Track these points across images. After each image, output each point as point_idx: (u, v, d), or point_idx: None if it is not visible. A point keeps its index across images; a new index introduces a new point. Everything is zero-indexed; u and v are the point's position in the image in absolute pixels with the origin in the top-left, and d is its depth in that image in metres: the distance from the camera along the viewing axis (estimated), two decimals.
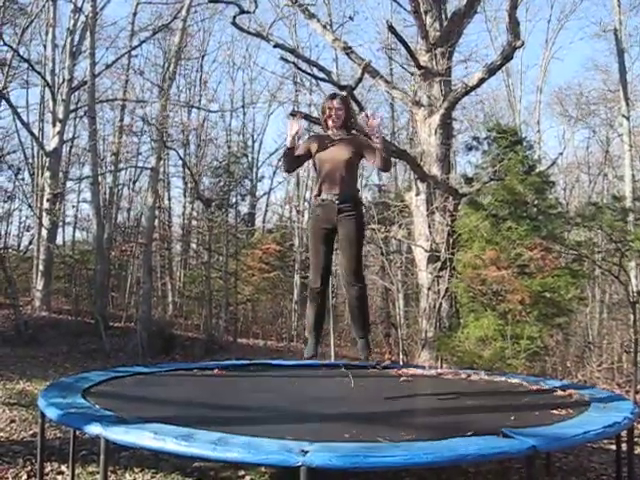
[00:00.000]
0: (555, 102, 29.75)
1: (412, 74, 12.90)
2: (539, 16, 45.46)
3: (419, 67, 11.57)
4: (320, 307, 4.89)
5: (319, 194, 4.82)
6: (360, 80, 11.22)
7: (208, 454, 3.23)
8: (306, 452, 3.10)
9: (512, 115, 25.83)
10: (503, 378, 6.45)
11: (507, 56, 10.76)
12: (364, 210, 4.92)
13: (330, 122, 4.86)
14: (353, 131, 5.19)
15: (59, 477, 5.19)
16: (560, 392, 5.57)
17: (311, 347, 5.19)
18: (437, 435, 3.57)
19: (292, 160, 4.99)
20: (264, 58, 45.69)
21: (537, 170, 12.59)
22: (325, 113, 4.92)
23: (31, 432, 6.66)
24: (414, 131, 16.66)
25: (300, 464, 3.02)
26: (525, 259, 10.81)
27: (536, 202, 11.98)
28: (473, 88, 11.37)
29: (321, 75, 12.68)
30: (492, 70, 10.95)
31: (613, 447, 6.19)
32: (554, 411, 4.53)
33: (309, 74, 13.61)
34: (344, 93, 5.24)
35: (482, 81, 11.13)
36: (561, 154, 21.21)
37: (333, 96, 5.07)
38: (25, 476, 5.13)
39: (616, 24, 17.99)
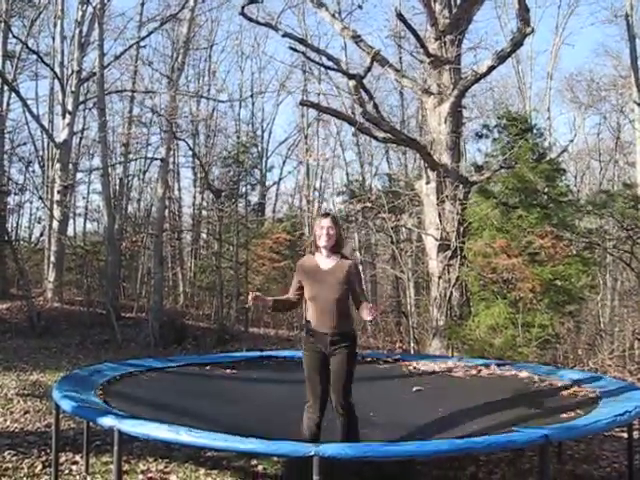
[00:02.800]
0: (566, 88, 29.57)
1: (421, 62, 12.84)
2: (549, 1, 45.10)
3: (428, 55, 11.52)
4: (316, 439, 4.47)
5: (312, 325, 4.72)
6: (369, 69, 11.16)
7: (222, 445, 3.25)
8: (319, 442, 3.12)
9: (522, 102, 25.69)
10: (513, 372, 6.44)
11: (517, 43, 10.69)
12: (356, 342, 4.73)
13: (322, 241, 4.75)
14: (342, 253, 4.98)
15: (73, 467, 5.23)
16: (571, 381, 5.57)
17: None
18: (450, 436, 3.58)
19: (293, 302, 4.98)
20: (273, 47, 45.77)
21: (547, 158, 12.55)
22: (316, 232, 4.83)
23: (45, 423, 6.72)
24: (424, 119, 16.65)
25: (313, 453, 3.04)
26: (536, 247, 10.79)
27: (547, 190, 11.94)
28: (483, 76, 11.30)
29: (330, 64, 12.64)
30: (502, 57, 10.88)
31: (624, 435, 6.19)
32: (565, 400, 4.53)
33: (318, 63, 13.59)
34: (334, 213, 5.12)
35: (492, 68, 11.07)
36: (572, 141, 21.19)
37: (325, 215, 4.99)
38: (40, 466, 5.17)
39: (627, 9, 17.81)
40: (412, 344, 12.72)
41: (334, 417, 4.50)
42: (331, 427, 4.38)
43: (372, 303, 4.72)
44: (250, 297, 4.73)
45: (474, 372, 6.59)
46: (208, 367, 6.71)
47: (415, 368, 6.65)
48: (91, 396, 4.48)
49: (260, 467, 5.32)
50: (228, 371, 6.70)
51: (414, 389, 6.11)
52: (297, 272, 4.92)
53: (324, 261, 4.81)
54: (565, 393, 4.94)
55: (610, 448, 6.04)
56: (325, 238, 4.74)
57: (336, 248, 4.84)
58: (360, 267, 5.44)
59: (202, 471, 5.19)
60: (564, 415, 3.90)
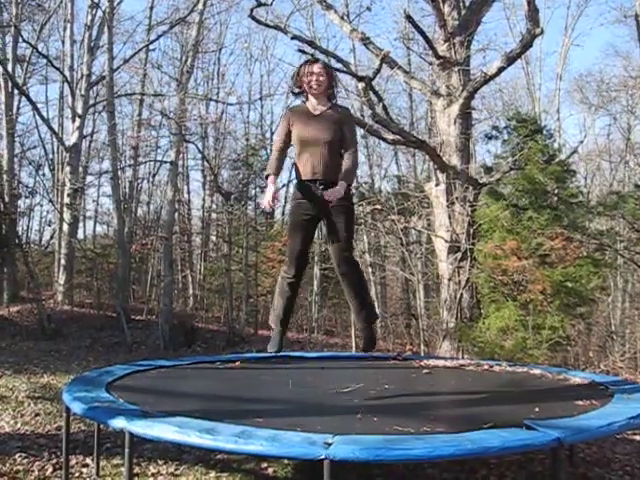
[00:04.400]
0: (575, 89, 29.47)
1: (430, 64, 12.81)
2: (558, 2, 44.94)
3: (437, 57, 11.50)
4: (291, 299, 4.60)
5: (301, 177, 4.51)
6: (378, 71, 11.15)
7: (231, 447, 3.23)
8: (329, 445, 3.10)
9: (532, 103, 25.62)
10: (525, 369, 6.40)
11: (526, 44, 10.65)
12: (352, 194, 4.56)
13: (312, 89, 4.50)
14: (334, 101, 4.76)
15: (84, 470, 5.23)
16: (583, 383, 5.53)
17: (276, 341, 4.99)
18: (460, 428, 3.56)
19: (281, 154, 4.69)
20: (281, 50, 45.66)
21: (557, 159, 12.51)
22: (303, 79, 4.55)
23: (55, 425, 6.72)
24: (433, 121, 16.62)
25: (323, 457, 3.02)
26: (546, 249, 10.76)
27: (557, 191, 11.91)
28: (492, 77, 11.27)
29: (339, 66, 12.63)
30: (511, 59, 10.85)
31: (637, 437, 6.16)
32: (578, 402, 4.49)
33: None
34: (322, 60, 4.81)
35: (501, 70, 11.03)
36: (582, 142, 21.06)
37: (314, 60, 4.73)
38: (51, 469, 5.17)
39: (637, 9, 17.70)
40: (422, 346, 12.69)
41: (354, 407, 4.45)
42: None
43: (343, 184, 4.40)
44: (268, 203, 4.49)
45: (486, 367, 6.58)
46: (218, 363, 6.71)
47: (425, 364, 6.63)
48: (101, 392, 4.48)
49: (271, 470, 5.31)
50: (237, 363, 6.69)
51: (424, 371, 6.13)
52: (285, 116, 4.68)
53: (316, 107, 4.56)
54: (577, 395, 4.90)
55: (623, 451, 6.01)
56: (315, 85, 4.49)
57: (328, 96, 4.62)
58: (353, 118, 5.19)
59: (212, 474, 5.18)
60: (576, 417, 3.87)
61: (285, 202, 28.77)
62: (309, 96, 4.60)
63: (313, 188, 4.42)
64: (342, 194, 4.31)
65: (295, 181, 4.60)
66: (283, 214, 28.62)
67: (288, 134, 4.58)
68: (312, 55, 12.69)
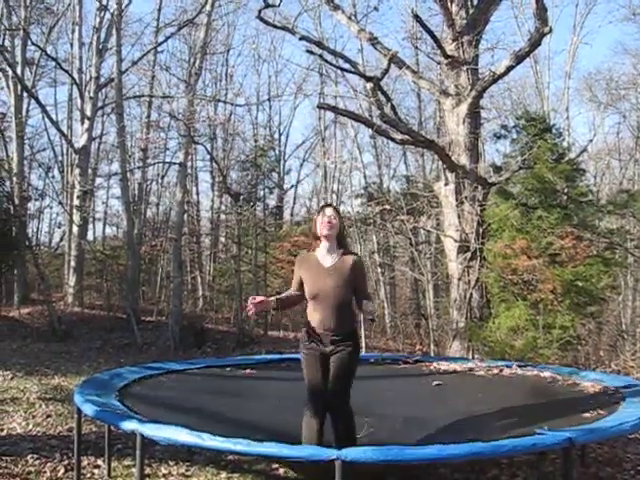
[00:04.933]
0: (584, 88, 29.34)
1: (439, 63, 12.79)
2: (567, 0, 44.81)
3: (446, 56, 11.48)
4: (319, 435, 4.31)
5: (312, 325, 4.51)
6: (387, 71, 11.13)
7: (244, 449, 3.24)
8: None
9: (540, 102, 25.53)
10: (535, 371, 6.39)
11: (535, 43, 10.62)
12: (358, 342, 4.51)
13: (325, 230, 4.52)
14: (345, 246, 4.76)
15: (95, 471, 5.25)
16: (594, 383, 5.51)
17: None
18: (471, 435, 3.55)
19: (296, 297, 4.73)
20: (289, 50, 45.76)
21: (567, 158, 12.46)
22: (318, 221, 4.62)
23: (67, 427, 6.75)
24: (442, 121, 16.59)
25: (335, 457, 3.02)
26: (556, 248, 10.72)
27: (566, 190, 11.87)
28: (501, 76, 11.24)
29: (347, 66, 12.64)
30: (520, 57, 10.82)
31: None
32: (589, 403, 4.48)
33: (335, 65, 13.59)
34: (333, 204, 4.88)
35: (510, 69, 11.00)
36: (591, 141, 20.92)
37: (326, 205, 4.79)
38: (62, 470, 5.20)
39: None
40: (432, 346, 12.67)
41: (365, 412, 4.43)
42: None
43: (371, 302, 4.49)
44: (249, 305, 4.46)
45: (496, 371, 6.55)
46: (228, 369, 6.71)
47: (435, 368, 6.62)
48: (112, 399, 4.49)
49: (281, 471, 5.32)
50: (248, 371, 6.70)
51: (434, 383, 6.09)
52: (297, 268, 4.68)
53: (326, 257, 4.58)
54: (588, 394, 4.89)
55: (634, 451, 5.98)
56: (327, 227, 4.52)
57: (338, 241, 4.62)
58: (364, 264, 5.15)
59: (223, 475, 5.20)
60: (588, 417, 3.86)
61: (294, 203, 28.78)
62: (320, 243, 4.63)
63: (323, 336, 4.44)
64: (375, 309, 4.44)
65: (305, 330, 4.58)
66: (292, 215, 28.70)
67: (300, 284, 4.63)
68: (321, 56, 12.74)
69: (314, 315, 4.50)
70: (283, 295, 4.75)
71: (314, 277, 4.50)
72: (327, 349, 4.43)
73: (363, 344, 12.09)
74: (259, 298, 4.53)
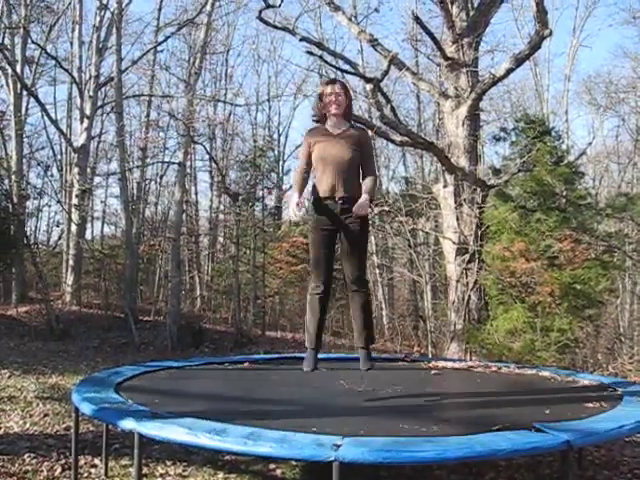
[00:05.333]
0: (583, 91, 29.41)
1: (438, 65, 12.82)
2: (567, 3, 44.87)
3: (445, 58, 11.49)
4: (322, 316, 4.60)
5: (320, 194, 4.59)
6: (386, 72, 11.14)
7: (241, 449, 3.24)
8: (338, 446, 3.10)
9: (540, 105, 25.58)
10: (534, 371, 6.39)
11: (535, 46, 10.63)
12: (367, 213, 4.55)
13: (332, 108, 4.57)
14: (352, 122, 4.90)
15: (92, 470, 5.24)
16: (592, 385, 5.52)
17: (311, 360, 4.94)
18: (469, 430, 3.55)
19: (304, 180, 4.80)
20: (289, 51, 45.70)
21: (566, 160, 12.48)
22: (324, 100, 4.63)
23: (64, 425, 6.74)
24: (441, 123, 16.58)
25: (333, 459, 3.02)
26: (555, 251, 10.73)
27: (565, 193, 11.88)
28: (501, 79, 11.25)
29: (347, 67, 12.65)
30: (520, 60, 10.83)
31: None
32: (587, 405, 4.48)
33: (335, 67, 13.58)
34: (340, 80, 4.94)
35: (510, 71, 11.01)
36: (590, 144, 20.95)
37: (333, 81, 4.81)
38: (59, 469, 5.19)
39: None
40: (430, 348, 12.68)
41: (363, 409, 4.45)
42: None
43: (369, 196, 4.51)
44: (295, 213, 4.58)
45: (494, 369, 6.56)
46: (226, 364, 6.71)
47: (433, 365, 6.62)
48: (110, 393, 4.49)
49: (279, 471, 5.31)
50: (246, 364, 6.69)
51: (432, 372, 6.11)
52: (305, 139, 4.73)
53: (334, 128, 4.62)
54: (586, 397, 4.89)
55: (631, 454, 5.98)
56: (335, 105, 4.55)
57: (346, 118, 4.68)
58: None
59: (220, 475, 5.19)
60: (585, 420, 3.85)
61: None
62: (328, 118, 4.66)
63: (332, 205, 4.50)
64: (368, 206, 4.43)
65: (313, 199, 4.66)
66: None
67: (309, 156, 4.65)
68: (321, 57, 12.74)
69: (322, 180, 4.55)
70: (299, 183, 4.75)
71: (323, 143, 4.55)
72: (335, 222, 4.49)
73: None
74: (294, 204, 4.58)
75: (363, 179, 4.59)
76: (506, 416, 4.04)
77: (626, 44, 48.10)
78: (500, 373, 6.39)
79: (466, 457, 3.17)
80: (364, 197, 4.43)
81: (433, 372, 6.20)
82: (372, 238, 23.55)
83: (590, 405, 4.49)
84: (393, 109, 11.14)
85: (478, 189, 11.20)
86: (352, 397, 4.87)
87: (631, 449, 6.12)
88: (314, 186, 4.69)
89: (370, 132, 4.89)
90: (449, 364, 6.84)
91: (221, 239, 27.06)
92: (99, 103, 21.36)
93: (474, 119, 11.58)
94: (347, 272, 4.53)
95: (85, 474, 5.14)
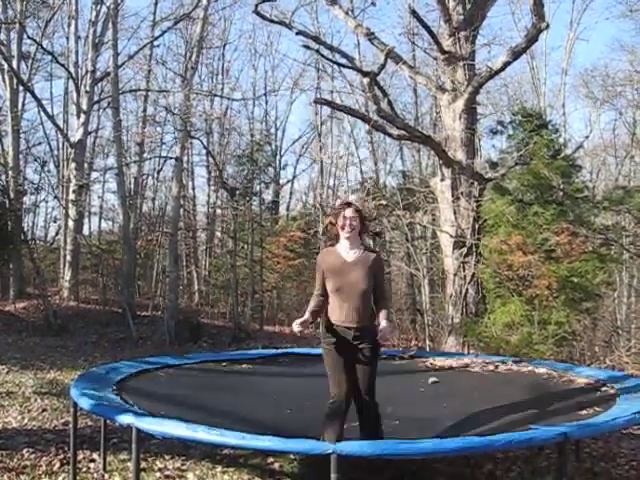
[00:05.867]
0: (580, 84, 29.32)
1: (435, 59, 12.80)
2: None
3: (442, 52, 11.47)
4: (340, 431, 4.34)
5: (334, 319, 4.61)
6: (383, 66, 11.13)
7: (240, 443, 3.25)
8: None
9: (537, 98, 25.52)
10: (530, 367, 6.40)
11: (532, 39, 10.62)
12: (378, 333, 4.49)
13: (345, 232, 4.62)
14: (365, 244, 4.94)
15: (91, 465, 5.26)
16: (589, 379, 5.53)
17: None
18: (467, 431, 3.57)
19: (320, 306, 4.77)
20: (286, 45, 45.70)
21: (563, 154, 12.47)
22: (339, 222, 4.68)
23: (62, 420, 6.76)
24: (438, 116, 16.59)
25: (330, 451, 3.03)
26: (552, 244, 10.74)
27: (562, 186, 11.87)
28: (497, 72, 11.24)
29: (344, 61, 12.63)
30: (517, 53, 10.82)
31: None
32: (584, 398, 4.50)
33: (331, 60, 13.57)
34: (357, 203, 5.04)
35: (506, 65, 10.99)
36: (587, 137, 20.96)
37: (348, 204, 4.83)
38: (58, 464, 5.20)
39: None
40: (427, 342, 12.69)
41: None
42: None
43: (391, 323, 4.60)
44: (296, 328, 4.51)
45: (491, 368, 6.56)
46: (224, 364, 6.71)
47: (432, 364, 6.63)
48: (108, 393, 4.49)
49: (277, 465, 5.33)
50: (244, 365, 6.70)
51: (430, 380, 6.10)
52: (319, 266, 4.76)
53: (348, 253, 4.65)
54: (583, 390, 4.91)
55: (628, 446, 6.01)
56: (348, 229, 4.61)
57: (360, 237, 4.74)
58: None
59: (219, 469, 5.21)
60: (582, 412, 3.88)
61: (290, 197, 28.72)
62: (342, 240, 4.70)
63: (345, 332, 4.52)
64: (389, 332, 4.49)
65: (326, 324, 4.65)
66: (288, 209, 28.67)
67: (324, 281, 4.69)
68: (317, 51, 12.71)
69: (337, 308, 4.58)
70: (313, 306, 4.76)
71: (338, 271, 4.58)
72: (349, 345, 4.50)
73: None
74: (299, 321, 4.55)
75: (375, 303, 4.62)
76: (504, 415, 4.06)
77: (623, 37, 48.11)
78: (497, 373, 6.40)
79: (463, 449, 3.19)
80: (384, 324, 4.48)
81: (431, 380, 6.15)
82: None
83: (587, 398, 4.51)
84: (390, 103, 11.14)
85: (475, 182, 11.19)
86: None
87: (628, 441, 6.14)
88: (327, 310, 4.68)
89: (381, 255, 4.86)
90: (447, 362, 6.84)
91: (219, 234, 27.02)
92: (96, 98, 21.32)
93: (471, 112, 11.57)
94: (358, 393, 4.50)
95: (84, 469, 5.16)
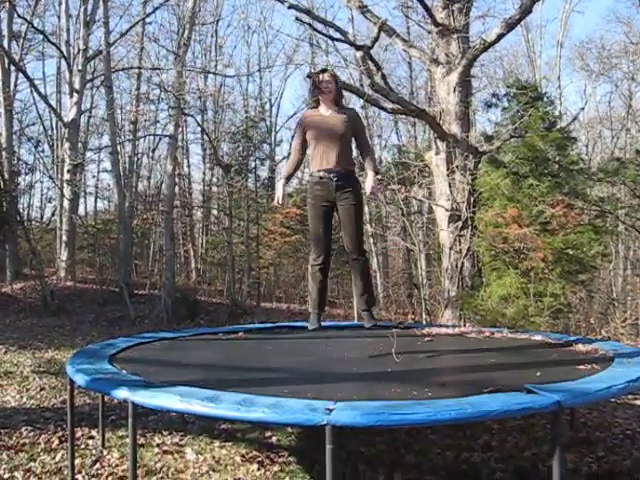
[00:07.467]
0: (576, 56, 29.26)
1: (429, 32, 12.70)
2: None
3: (436, 24, 11.40)
4: (322, 284, 4.95)
5: (314, 170, 4.88)
6: (376, 39, 11.06)
7: (234, 415, 3.25)
8: (331, 410, 3.12)
9: (532, 71, 25.47)
10: (526, 335, 6.42)
11: (526, 10, 10.56)
12: (360, 185, 4.97)
13: (322, 92, 4.94)
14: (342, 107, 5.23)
15: (90, 442, 5.29)
16: (584, 348, 5.55)
17: (315, 320, 5.47)
18: (461, 392, 3.58)
19: (298, 159, 5.13)
20: (279, 21, 45.35)
21: (558, 126, 12.45)
22: (317, 85, 5.00)
23: (61, 399, 6.79)
24: (432, 90, 16.51)
25: (325, 422, 3.04)
26: (547, 216, 10.76)
27: (557, 158, 11.87)
28: (492, 44, 11.17)
29: (337, 36, 12.52)
30: (511, 25, 10.75)
31: (638, 402, 6.20)
32: (578, 366, 4.51)
33: (325, 35, 13.44)
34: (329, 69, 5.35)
35: (501, 37, 10.93)
36: (583, 109, 20.91)
37: (323, 70, 5.19)
38: (57, 441, 5.23)
39: None
40: (424, 315, 12.74)
41: (355, 375, 4.50)
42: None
43: (377, 176, 4.98)
44: (277, 202, 4.98)
45: (487, 334, 6.59)
46: (220, 334, 6.71)
47: (427, 332, 6.64)
48: (104, 364, 4.50)
49: (274, 439, 5.37)
50: (240, 334, 6.70)
51: (426, 339, 6.13)
52: (298, 125, 5.08)
53: (326, 111, 4.95)
54: (578, 358, 4.92)
55: (623, 415, 6.07)
56: (326, 89, 4.92)
57: (336, 101, 5.00)
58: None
59: (217, 443, 5.24)
60: (576, 381, 3.89)
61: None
62: (320, 102, 5.01)
63: (327, 180, 4.77)
64: (377, 184, 4.88)
65: (310, 174, 4.95)
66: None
67: (304, 136, 4.98)
68: (310, 25, 12.62)
69: (318, 156, 4.87)
70: (286, 171, 5.20)
71: (317, 122, 4.92)
72: (332, 196, 4.81)
73: (355, 313, 12.15)
74: (280, 195, 5.01)
75: (360, 155, 4.97)
76: (498, 379, 4.07)
77: (619, 9, 47.97)
78: (493, 338, 6.42)
79: (457, 419, 3.20)
80: (372, 177, 4.79)
81: (426, 339, 6.22)
82: (365, 207, 23.57)
83: (581, 367, 4.52)
84: (384, 76, 11.06)
85: (470, 156, 11.17)
86: (345, 363, 4.90)
87: (623, 411, 6.20)
88: (310, 162, 4.99)
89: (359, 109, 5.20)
90: (442, 330, 6.86)
91: (214, 211, 27.03)
92: (88, 77, 21.18)
93: (465, 86, 11.52)
94: (346, 243, 4.84)
95: (82, 445, 5.19)
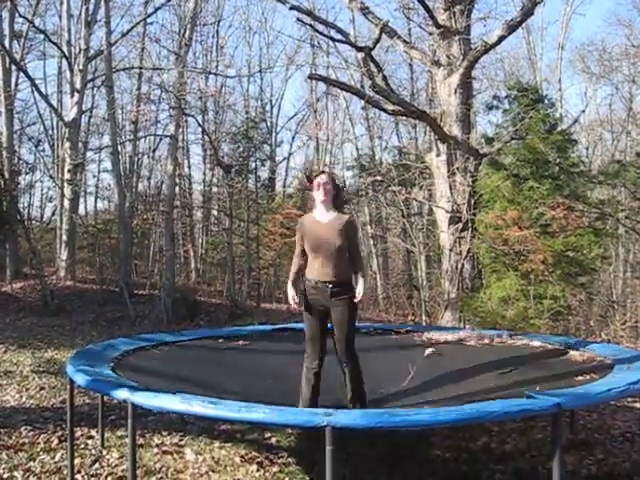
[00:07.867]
0: (577, 59, 29.23)
1: (430, 34, 12.69)
2: None
3: (437, 26, 11.40)
4: (315, 389, 4.79)
5: (311, 275, 4.89)
6: (378, 41, 11.06)
7: (235, 416, 3.26)
8: (331, 413, 3.12)
9: (533, 73, 25.45)
10: (525, 341, 6.42)
11: (527, 12, 10.56)
12: (354, 293, 4.84)
13: (320, 196, 4.92)
14: (339, 210, 5.16)
15: (89, 441, 5.29)
16: (584, 352, 5.56)
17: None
18: (462, 401, 3.58)
19: (301, 265, 5.13)
20: (280, 22, 45.31)
21: (559, 129, 12.44)
22: (314, 188, 5.02)
23: (60, 399, 6.79)
24: (434, 91, 16.50)
25: (325, 424, 3.04)
26: (547, 218, 10.74)
27: (558, 161, 11.85)
28: (493, 46, 11.18)
29: (338, 37, 12.52)
30: (512, 27, 10.76)
31: (637, 405, 6.20)
32: (578, 370, 4.52)
33: (326, 36, 13.45)
34: (330, 171, 5.37)
35: (502, 39, 10.94)
36: (583, 112, 20.97)
37: (321, 172, 5.19)
38: (56, 441, 5.24)
39: None
40: (424, 317, 12.73)
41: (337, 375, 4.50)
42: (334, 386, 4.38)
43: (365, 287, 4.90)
44: (294, 304, 4.95)
45: (486, 341, 6.58)
46: (221, 340, 6.72)
47: (427, 338, 6.64)
48: (105, 369, 4.50)
49: (274, 440, 5.36)
50: (241, 342, 6.71)
51: (426, 352, 6.12)
52: (298, 230, 5.06)
53: (322, 216, 4.94)
54: (578, 362, 4.93)
55: (622, 418, 6.06)
56: (322, 192, 4.89)
57: (334, 204, 4.99)
58: (358, 226, 5.73)
59: (216, 444, 5.24)
60: (577, 384, 3.89)
61: (286, 175, 28.65)
62: (317, 203, 5.02)
63: (322, 287, 4.80)
64: (364, 292, 4.87)
65: (307, 279, 4.92)
66: (284, 186, 28.61)
67: (303, 242, 5.00)
68: (312, 26, 12.61)
69: (313, 265, 4.89)
70: (293, 273, 5.16)
71: (314, 231, 4.89)
72: (327, 302, 4.79)
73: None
74: (291, 296, 4.99)
75: (351, 263, 4.94)
76: (499, 387, 4.08)
77: (620, 11, 47.87)
78: (492, 346, 6.41)
79: (458, 420, 3.20)
80: (362, 285, 4.87)
81: (427, 352, 6.17)
82: (366, 209, 23.58)
83: (581, 370, 4.53)
84: (385, 78, 11.07)
85: (471, 158, 11.17)
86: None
87: (622, 414, 6.20)
88: (306, 275, 4.98)
89: (354, 217, 5.20)
90: (442, 336, 6.84)
91: (215, 212, 26.99)
92: (89, 77, 21.14)
93: (466, 87, 11.52)
94: (337, 346, 4.81)
95: (82, 445, 5.19)
